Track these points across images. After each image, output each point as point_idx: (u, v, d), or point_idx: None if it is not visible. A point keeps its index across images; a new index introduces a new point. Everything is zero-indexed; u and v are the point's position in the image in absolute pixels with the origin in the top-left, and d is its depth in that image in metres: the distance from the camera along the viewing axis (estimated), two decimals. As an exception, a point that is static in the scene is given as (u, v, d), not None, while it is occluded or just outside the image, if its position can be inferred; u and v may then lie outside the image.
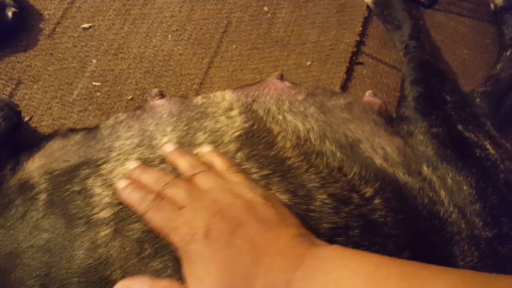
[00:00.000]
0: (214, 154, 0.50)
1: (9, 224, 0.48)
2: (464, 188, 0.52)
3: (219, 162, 0.48)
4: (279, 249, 0.38)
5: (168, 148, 0.51)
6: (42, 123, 0.69)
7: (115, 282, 0.42)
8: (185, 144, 0.52)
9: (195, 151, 0.51)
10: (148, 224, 0.42)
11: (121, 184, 0.46)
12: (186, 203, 0.42)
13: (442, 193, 0.52)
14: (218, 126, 0.53)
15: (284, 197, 0.47)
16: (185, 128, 0.54)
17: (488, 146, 0.56)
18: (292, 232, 0.40)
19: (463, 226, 0.50)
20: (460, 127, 0.58)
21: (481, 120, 0.60)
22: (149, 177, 0.46)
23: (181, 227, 0.39)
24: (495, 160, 0.55)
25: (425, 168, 0.55)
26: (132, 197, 0.44)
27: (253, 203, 0.41)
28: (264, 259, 0.37)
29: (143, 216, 0.42)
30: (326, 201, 0.47)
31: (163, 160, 0.50)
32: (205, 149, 0.51)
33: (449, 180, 0.53)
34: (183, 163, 0.48)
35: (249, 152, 0.51)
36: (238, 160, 0.50)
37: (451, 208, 0.51)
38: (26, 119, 0.68)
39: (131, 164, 0.49)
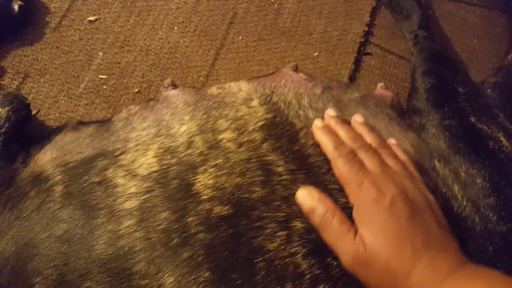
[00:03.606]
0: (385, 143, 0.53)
1: (24, 215, 0.47)
2: (478, 181, 0.51)
3: (404, 158, 0.52)
4: (447, 247, 0.42)
5: (331, 112, 0.55)
6: (49, 116, 0.69)
7: (138, 273, 0.42)
8: (208, 131, 0.51)
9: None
10: (333, 169, 0.48)
11: (318, 122, 0.52)
12: (375, 170, 0.47)
13: (455, 188, 0.52)
14: (239, 114, 0.53)
15: None
16: (204, 116, 0.53)
17: (501, 138, 0.55)
18: (455, 242, 0.44)
19: (477, 220, 0.49)
20: (473, 119, 0.57)
21: (493, 111, 0.59)
22: (346, 133, 0.51)
23: (368, 186, 0.45)
24: (509, 152, 0.54)
25: (437, 163, 0.54)
26: (326, 140, 0.50)
27: (431, 202, 0.46)
28: (432, 248, 0.41)
29: (332, 160, 0.48)
30: (347, 205, 0.46)
31: (188, 147, 0.49)
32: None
33: (462, 173, 0.52)
34: (368, 137, 0.52)
35: (275, 143, 0.50)
36: (264, 151, 0.50)
37: (464, 202, 0.50)
38: (34, 112, 0.68)
39: (330, 111, 0.54)
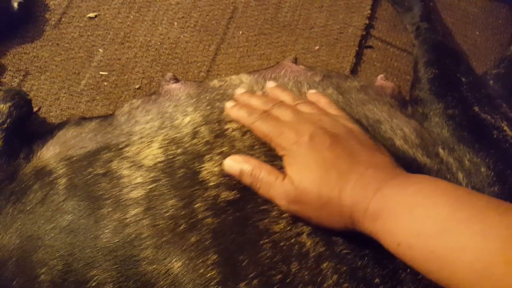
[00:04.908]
0: (320, 95, 0.54)
1: (28, 208, 0.48)
2: (482, 170, 0.51)
3: (324, 101, 0.53)
4: (374, 164, 0.43)
5: (240, 91, 0.55)
6: (51, 113, 0.69)
7: (145, 259, 0.43)
8: (213, 122, 0.51)
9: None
10: (255, 133, 0.49)
11: (229, 104, 0.52)
12: (292, 119, 0.48)
13: (460, 175, 0.51)
14: None
15: None
16: (208, 107, 0.53)
17: (505, 128, 0.55)
18: (386, 158, 0.45)
19: None
20: (476, 108, 0.57)
21: (497, 101, 0.59)
22: (257, 100, 0.52)
23: (287, 132, 0.46)
24: (513, 141, 0.54)
25: (441, 150, 0.54)
26: (240, 113, 0.50)
27: (353, 129, 0.47)
28: (359, 168, 0.42)
29: (250, 126, 0.49)
30: None
31: (194, 137, 0.50)
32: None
33: (466, 162, 0.52)
34: (282, 96, 0.53)
35: None
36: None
37: None
38: (35, 110, 0.68)
39: (239, 90, 0.55)
